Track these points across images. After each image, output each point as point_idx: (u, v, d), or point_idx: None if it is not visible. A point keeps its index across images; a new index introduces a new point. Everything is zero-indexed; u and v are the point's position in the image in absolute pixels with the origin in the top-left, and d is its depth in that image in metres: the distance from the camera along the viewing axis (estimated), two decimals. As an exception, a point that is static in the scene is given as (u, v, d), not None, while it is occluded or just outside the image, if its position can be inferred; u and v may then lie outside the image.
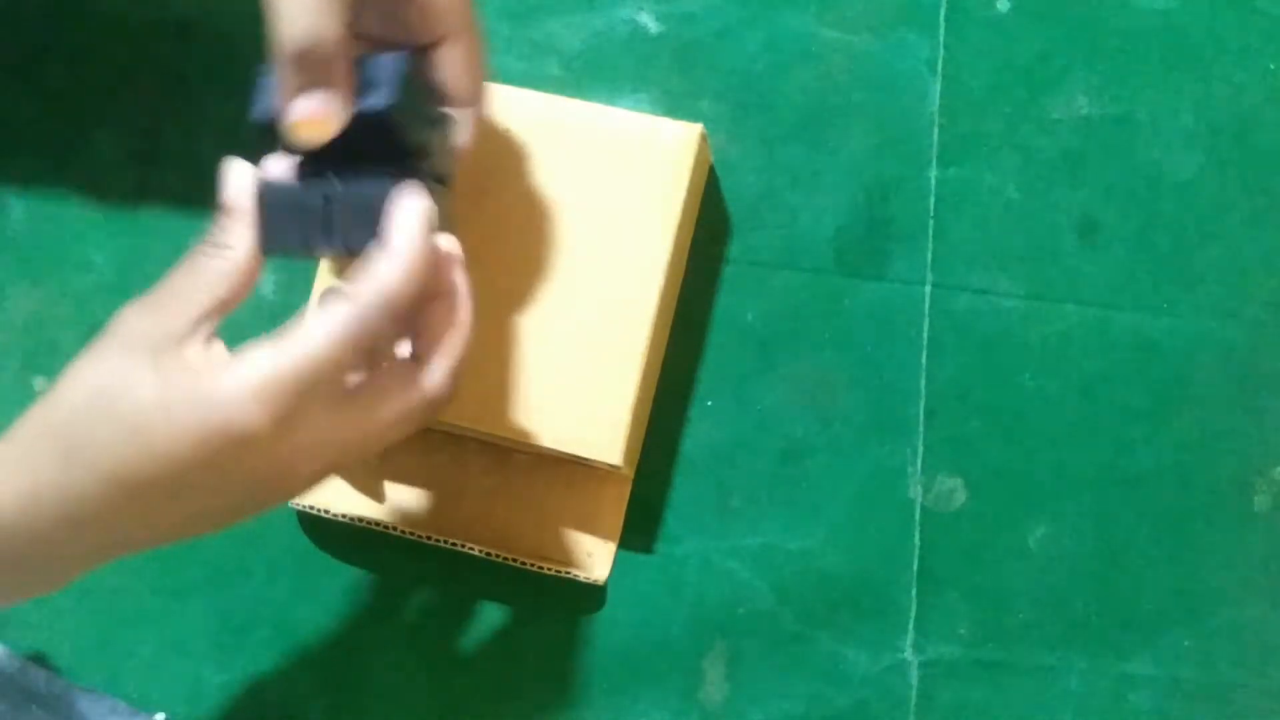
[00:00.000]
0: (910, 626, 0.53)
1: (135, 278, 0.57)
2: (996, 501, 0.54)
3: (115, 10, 0.59)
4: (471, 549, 0.52)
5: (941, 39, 0.57)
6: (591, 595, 0.54)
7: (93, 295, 0.57)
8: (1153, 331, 0.55)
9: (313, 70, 0.39)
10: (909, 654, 0.53)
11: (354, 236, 0.40)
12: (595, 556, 0.52)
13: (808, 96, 0.57)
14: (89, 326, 0.57)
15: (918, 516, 0.54)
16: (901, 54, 0.57)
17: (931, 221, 0.56)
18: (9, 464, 0.39)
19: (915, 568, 0.53)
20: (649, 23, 0.58)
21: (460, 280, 0.42)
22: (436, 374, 0.41)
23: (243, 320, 0.56)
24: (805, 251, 0.56)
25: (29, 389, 0.57)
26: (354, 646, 0.54)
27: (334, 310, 0.39)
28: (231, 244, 0.41)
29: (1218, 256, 0.55)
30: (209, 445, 0.38)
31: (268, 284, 0.57)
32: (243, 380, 0.38)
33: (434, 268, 0.40)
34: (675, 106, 0.57)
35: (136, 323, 0.40)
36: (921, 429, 0.54)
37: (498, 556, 0.52)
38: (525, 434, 0.50)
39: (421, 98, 0.41)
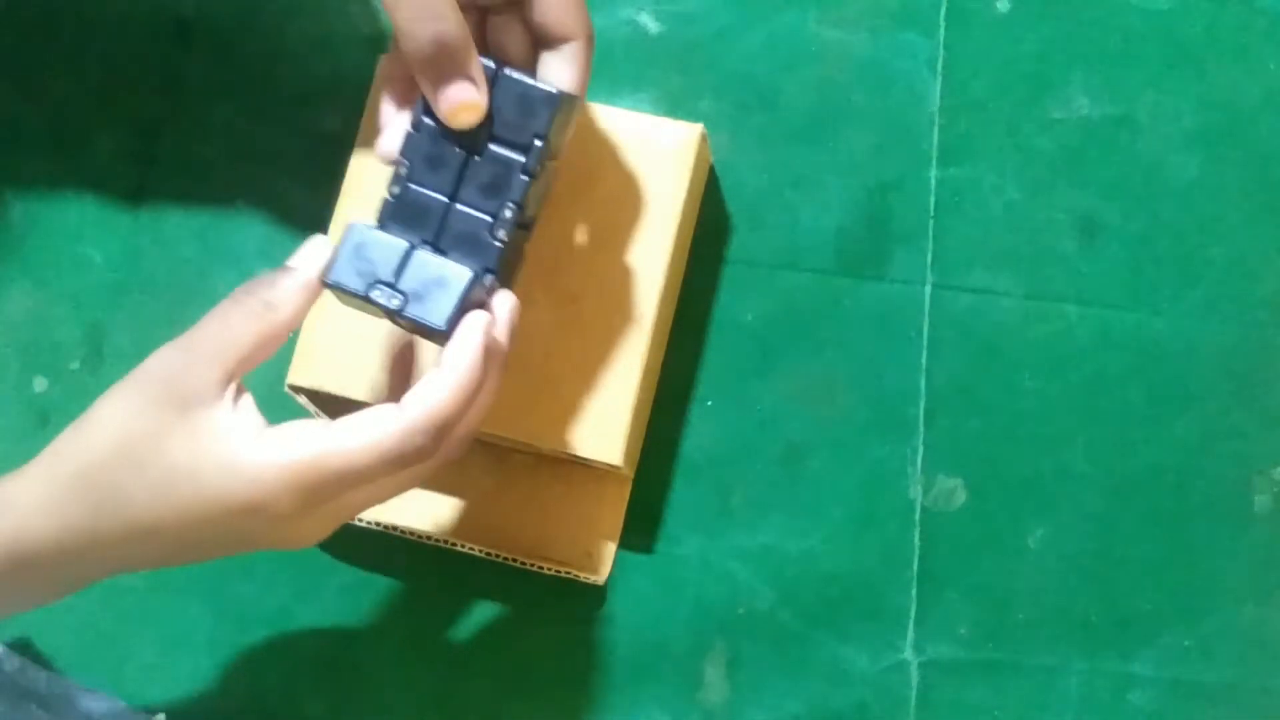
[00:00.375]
0: (910, 626, 0.53)
1: (135, 278, 0.57)
2: (996, 501, 0.54)
3: (115, 10, 0.59)
4: (471, 549, 0.52)
5: (941, 39, 0.57)
6: (591, 595, 0.54)
7: (93, 295, 0.57)
8: (1153, 331, 0.55)
9: (449, 61, 0.41)
10: (909, 654, 0.53)
11: (414, 307, 0.41)
12: (595, 556, 0.52)
13: (808, 96, 0.57)
14: (89, 326, 0.57)
15: (918, 516, 0.54)
16: (901, 54, 0.57)
17: (931, 221, 0.56)
18: (39, 506, 0.40)
19: (915, 568, 0.53)
20: (649, 23, 0.58)
21: (496, 372, 0.43)
22: (454, 444, 0.43)
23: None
24: (805, 251, 0.56)
25: (29, 389, 0.57)
26: (354, 646, 0.54)
27: (383, 421, 0.40)
28: (277, 305, 0.41)
29: (1218, 256, 0.55)
30: (234, 517, 0.39)
31: (268, 284, 0.57)
32: (277, 462, 0.39)
33: (482, 380, 0.41)
34: (675, 106, 0.57)
35: (167, 369, 0.40)
36: (921, 429, 0.54)
37: (498, 556, 0.52)
38: (525, 434, 0.50)
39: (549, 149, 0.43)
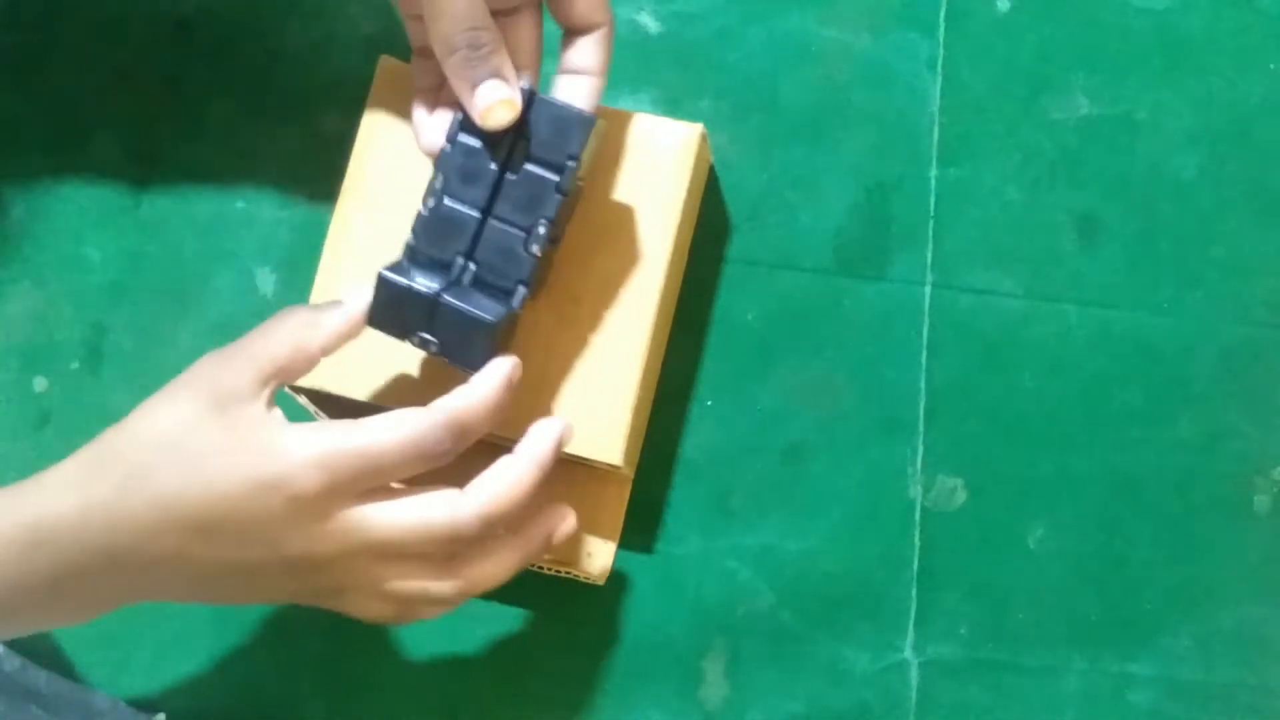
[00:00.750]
0: (910, 626, 0.53)
1: (135, 278, 0.57)
2: (996, 501, 0.54)
3: (115, 10, 0.59)
4: (471, 549, 0.52)
5: (941, 39, 0.57)
6: (591, 595, 0.54)
7: (93, 295, 0.57)
8: (1153, 331, 0.55)
9: (482, 63, 0.43)
10: (909, 654, 0.53)
11: (447, 345, 0.45)
12: (595, 556, 0.52)
13: (808, 96, 0.57)
14: (89, 326, 0.57)
15: (918, 516, 0.54)
16: (901, 54, 0.57)
17: (931, 221, 0.56)
18: (67, 481, 0.41)
19: (915, 568, 0.53)
20: (649, 23, 0.58)
21: (542, 448, 0.45)
22: (471, 503, 0.43)
23: (243, 321, 0.56)
24: (805, 251, 0.56)
25: (29, 389, 0.57)
26: (354, 646, 0.54)
27: (407, 414, 0.42)
28: (318, 324, 0.44)
29: (1218, 256, 0.55)
30: (261, 492, 0.40)
31: (268, 284, 0.57)
32: (307, 445, 0.41)
33: (496, 400, 0.44)
34: (675, 106, 0.57)
35: (208, 369, 0.43)
36: (921, 429, 0.54)
37: (498, 556, 0.52)
38: (526, 434, 0.50)
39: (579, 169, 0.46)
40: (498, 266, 0.45)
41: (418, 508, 0.42)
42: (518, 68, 0.45)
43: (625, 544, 0.53)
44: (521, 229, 0.45)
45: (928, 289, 0.55)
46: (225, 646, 0.54)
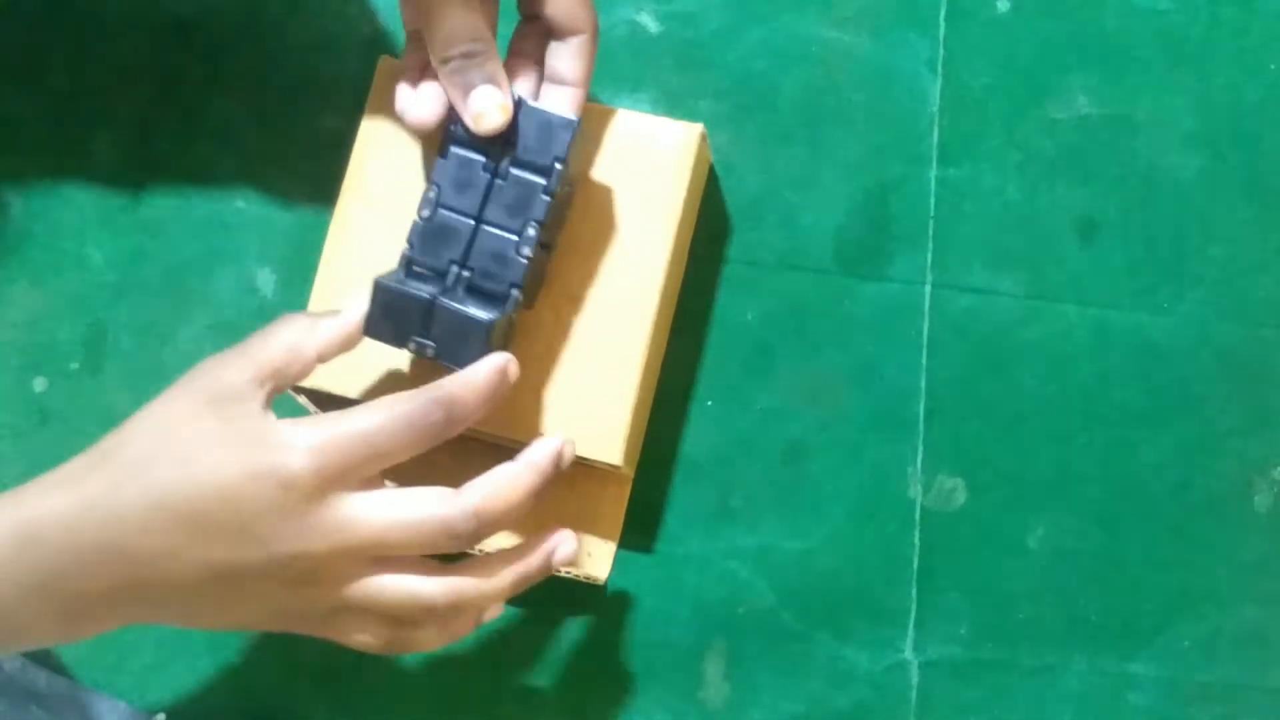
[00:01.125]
0: (910, 626, 0.53)
1: (135, 278, 0.57)
2: (996, 501, 0.54)
3: (115, 10, 0.59)
4: (472, 549, 0.52)
5: (941, 39, 0.57)
6: (591, 595, 0.54)
7: (93, 295, 0.57)
8: (1153, 331, 0.55)
9: (477, 70, 0.45)
10: (909, 654, 0.53)
11: (444, 349, 0.45)
12: (595, 556, 0.52)
13: (808, 96, 0.57)
14: (89, 326, 0.57)
15: (918, 516, 0.54)
16: (901, 54, 0.57)
17: (931, 221, 0.56)
18: (60, 482, 0.41)
19: (915, 568, 0.53)
20: (649, 23, 0.58)
21: (541, 455, 0.45)
22: (464, 498, 0.42)
23: (243, 321, 0.57)
24: (805, 251, 0.56)
25: (29, 389, 0.57)
26: (354, 646, 0.54)
27: (395, 398, 0.42)
28: (315, 330, 0.44)
29: (1218, 256, 0.55)
30: (254, 481, 0.40)
31: (268, 284, 0.57)
32: (298, 432, 0.41)
33: (497, 401, 0.44)
34: (675, 106, 0.57)
35: (206, 371, 0.43)
36: (921, 429, 0.54)
37: (498, 556, 0.52)
38: (526, 434, 0.50)
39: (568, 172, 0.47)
40: (491, 271, 0.46)
41: (411, 501, 0.42)
42: (573, 33, 0.46)
43: (625, 544, 0.53)
44: (512, 233, 0.46)
45: (928, 289, 0.55)
46: (225, 646, 0.54)
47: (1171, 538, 0.53)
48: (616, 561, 0.53)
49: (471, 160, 0.46)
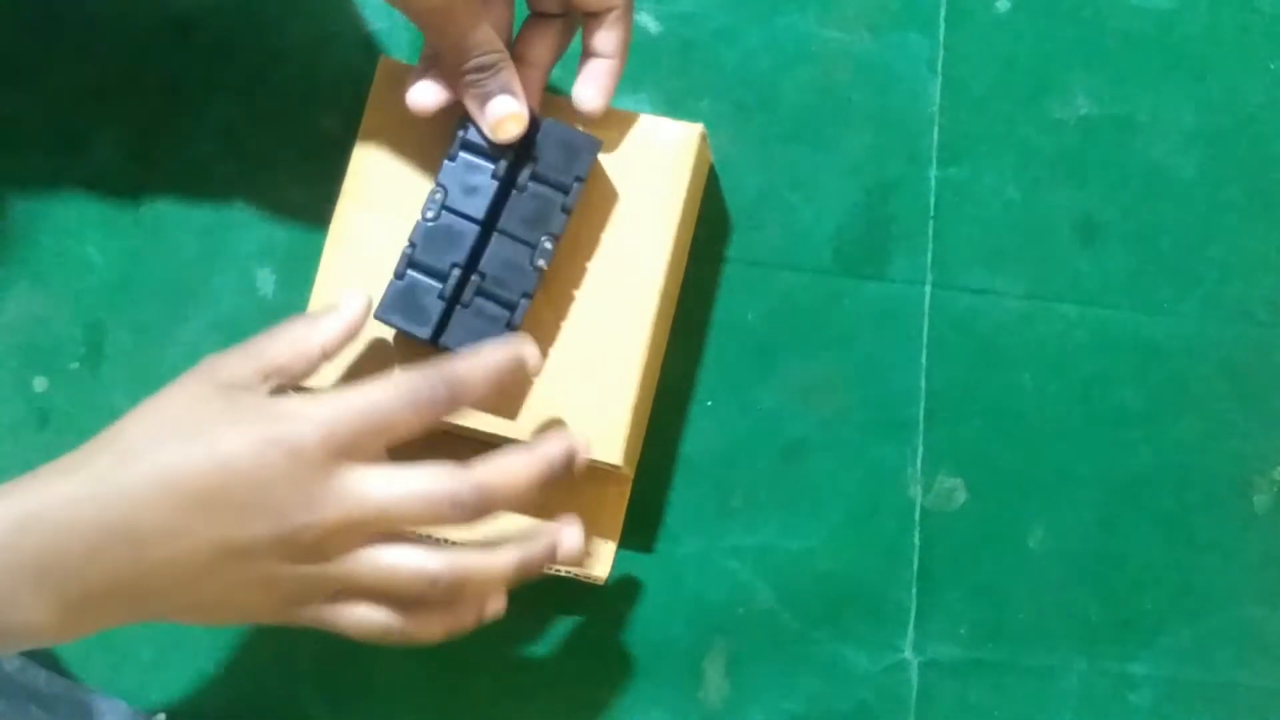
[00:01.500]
0: (910, 626, 0.53)
1: (135, 278, 0.57)
2: (996, 501, 0.54)
3: (115, 10, 0.59)
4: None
5: (941, 39, 0.57)
6: (591, 595, 0.54)
7: (93, 295, 0.57)
8: (1153, 331, 0.55)
9: (493, 80, 0.46)
10: (909, 654, 0.53)
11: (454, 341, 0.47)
12: (595, 556, 0.52)
13: (808, 96, 0.57)
14: (89, 326, 0.57)
15: (918, 516, 0.54)
16: (901, 54, 0.57)
17: (931, 221, 0.56)
18: (62, 468, 0.41)
19: (915, 568, 0.53)
20: (649, 23, 0.58)
21: (553, 446, 0.45)
22: (472, 473, 0.43)
23: (243, 321, 0.57)
24: (805, 251, 0.56)
25: (29, 389, 0.57)
26: (354, 646, 0.54)
27: (400, 373, 0.43)
28: (317, 324, 0.45)
29: (1218, 256, 0.55)
30: (262, 450, 0.40)
31: (268, 284, 0.57)
32: (304, 405, 0.41)
33: (503, 386, 0.44)
34: (675, 106, 0.57)
35: (211, 361, 0.44)
36: (921, 429, 0.54)
37: (498, 556, 0.52)
38: (526, 434, 0.50)
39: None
40: (504, 280, 0.47)
41: (418, 474, 0.42)
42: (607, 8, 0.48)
43: (625, 544, 0.53)
44: (527, 244, 0.47)
45: (928, 289, 0.55)
46: (225, 646, 0.54)
47: (1171, 538, 0.53)
48: (616, 561, 0.53)
49: (480, 166, 0.47)
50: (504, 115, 0.46)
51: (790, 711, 0.53)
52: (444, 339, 0.48)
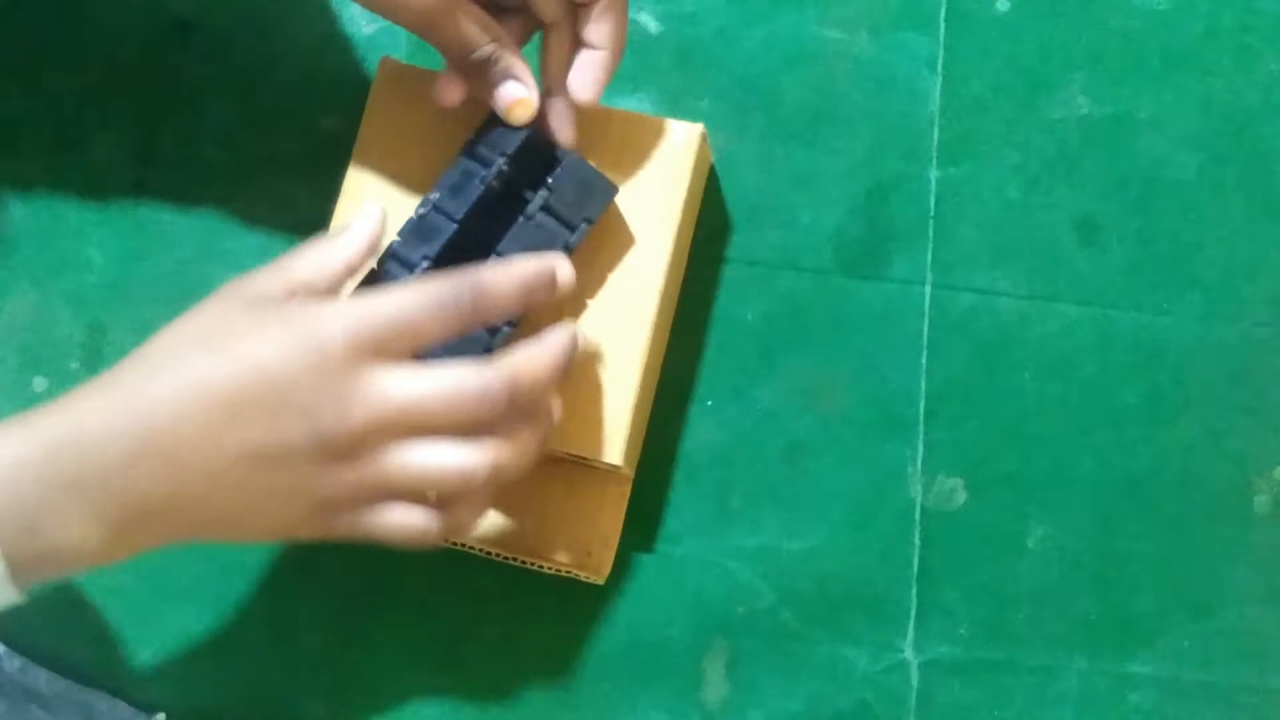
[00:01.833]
0: (910, 626, 0.53)
1: (135, 278, 0.57)
2: (996, 501, 0.54)
3: (115, 10, 0.59)
4: (472, 548, 0.52)
5: (941, 39, 0.57)
6: (591, 595, 0.54)
7: (93, 295, 0.57)
8: (1153, 331, 0.55)
9: (498, 71, 0.47)
10: (909, 654, 0.53)
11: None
12: (595, 556, 0.52)
13: (808, 96, 0.57)
14: (89, 326, 0.57)
15: (918, 516, 0.54)
16: (901, 54, 0.57)
17: (931, 221, 0.56)
18: (99, 386, 0.42)
19: (915, 568, 0.53)
20: (649, 23, 0.58)
21: (559, 338, 0.45)
22: (499, 368, 0.43)
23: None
24: (805, 251, 0.56)
25: (29, 389, 0.57)
26: (354, 646, 0.54)
27: (428, 278, 0.43)
28: (339, 246, 0.45)
29: (1218, 256, 0.55)
30: (290, 352, 0.41)
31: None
32: (331, 308, 0.42)
33: (527, 285, 0.44)
34: (675, 106, 0.57)
35: (236, 283, 0.44)
36: (921, 429, 0.54)
37: (498, 556, 0.52)
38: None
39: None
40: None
41: (447, 371, 0.42)
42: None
43: (625, 544, 0.53)
44: None
45: (928, 289, 0.55)
46: (225, 646, 0.54)
47: (1171, 538, 0.53)
48: (616, 561, 0.53)
49: (475, 171, 0.47)
50: (511, 101, 0.47)
51: (790, 711, 0.53)
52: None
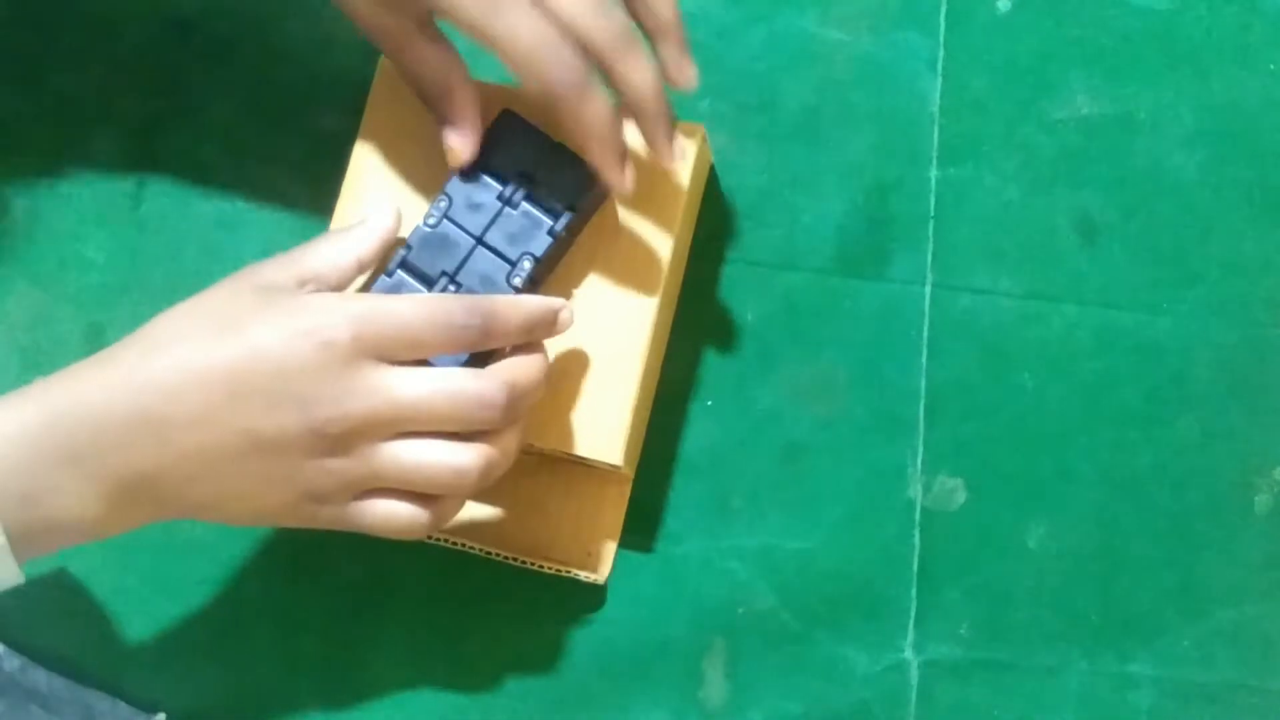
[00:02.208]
0: (910, 626, 0.53)
1: (135, 278, 0.57)
2: (996, 501, 0.54)
3: (115, 10, 0.59)
4: (472, 548, 0.52)
5: (941, 39, 0.57)
6: (591, 595, 0.54)
7: (93, 295, 0.57)
8: (1153, 331, 0.55)
9: (441, 102, 0.47)
10: (909, 654, 0.53)
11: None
12: (595, 556, 0.52)
13: (808, 96, 0.57)
14: (89, 326, 0.57)
15: (918, 516, 0.54)
16: (901, 54, 0.57)
17: (931, 221, 0.56)
18: (101, 360, 0.42)
19: (915, 568, 0.53)
20: (649, 23, 0.58)
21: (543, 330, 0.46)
22: (496, 373, 0.43)
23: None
24: (805, 251, 0.56)
25: (29, 389, 0.57)
26: (354, 646, 0.54)
27: (439, 296, 0.44)
28: (350, 240, 0.46)
29: (1218, 256, 0.55)
30: (292, 339, 0.41)
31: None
32: (339, 301, 0.42)
33: (532, 322, 0.45)
34: (675, 106, 0.57)
35: (248, 270, 0.44)
36: (921, 429, 0.54)
37: (498, 556, 0.52)
38: (525, 434, 0.50)
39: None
40: (477, 292, 0.47)
41: (446, 374, 0.43)
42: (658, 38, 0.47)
43: (625, 544, 0.53)
44: (507, 261, 0.47)
45: (928, 289, 0.55)
46: (225, 646, 0.54)
47: (1171, 538, 0.53)
48: (616, 561, 0.53)
49: (489, 185, 0.47)
50: (446, 147, 0.47)
51: (790, 711, 0.53)
52: None
